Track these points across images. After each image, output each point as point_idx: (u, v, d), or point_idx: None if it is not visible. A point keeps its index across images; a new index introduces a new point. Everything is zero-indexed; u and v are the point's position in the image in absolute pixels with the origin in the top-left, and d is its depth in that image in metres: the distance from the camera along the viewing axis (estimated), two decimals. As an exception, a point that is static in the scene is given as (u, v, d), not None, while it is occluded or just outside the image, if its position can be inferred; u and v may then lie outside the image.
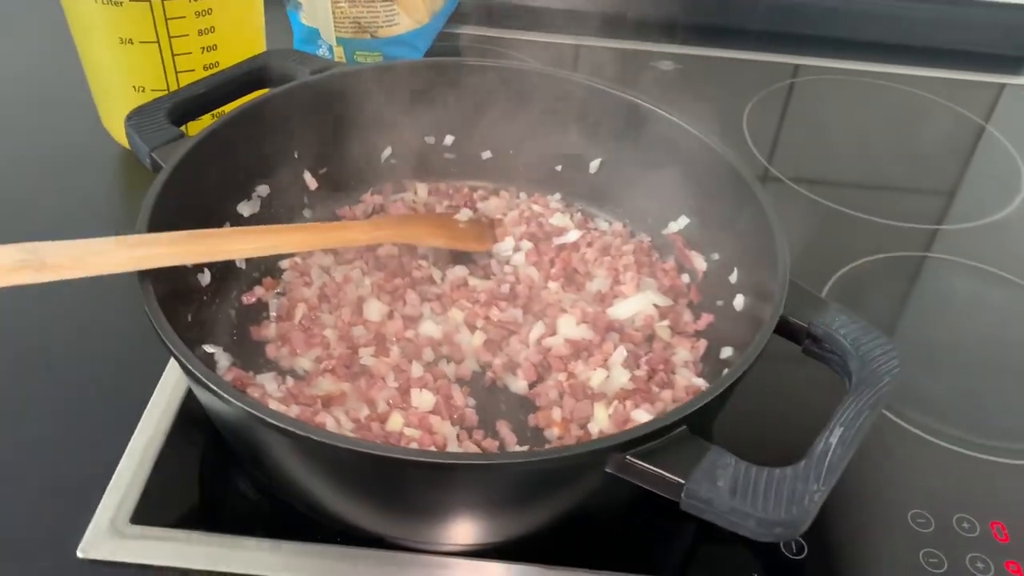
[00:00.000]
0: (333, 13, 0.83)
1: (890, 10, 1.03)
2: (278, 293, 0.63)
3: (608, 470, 0.43)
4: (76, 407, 0.57)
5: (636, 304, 0.62)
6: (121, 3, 0.64)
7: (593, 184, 0.72)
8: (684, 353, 0.60)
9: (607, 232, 0.70)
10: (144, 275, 0.48)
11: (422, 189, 0.73)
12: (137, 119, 0.61)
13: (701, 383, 0.58)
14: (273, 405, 0.53)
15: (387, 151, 0.72)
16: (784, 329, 0.51)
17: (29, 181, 0.76)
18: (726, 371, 0.55)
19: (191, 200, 0.58)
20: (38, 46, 0.91)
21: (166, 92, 0.69)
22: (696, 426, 0.44)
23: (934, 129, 0.94)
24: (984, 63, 1.03)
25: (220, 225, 0.62)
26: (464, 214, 0.70)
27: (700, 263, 0.65)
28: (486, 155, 0.74)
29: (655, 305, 0.63)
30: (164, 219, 0.54)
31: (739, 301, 0.59)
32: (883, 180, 0.86)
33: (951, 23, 1.04)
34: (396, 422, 0.53)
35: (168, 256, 0.50)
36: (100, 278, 0.48)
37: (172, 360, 0.53)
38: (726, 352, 0.58)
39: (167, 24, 0.65)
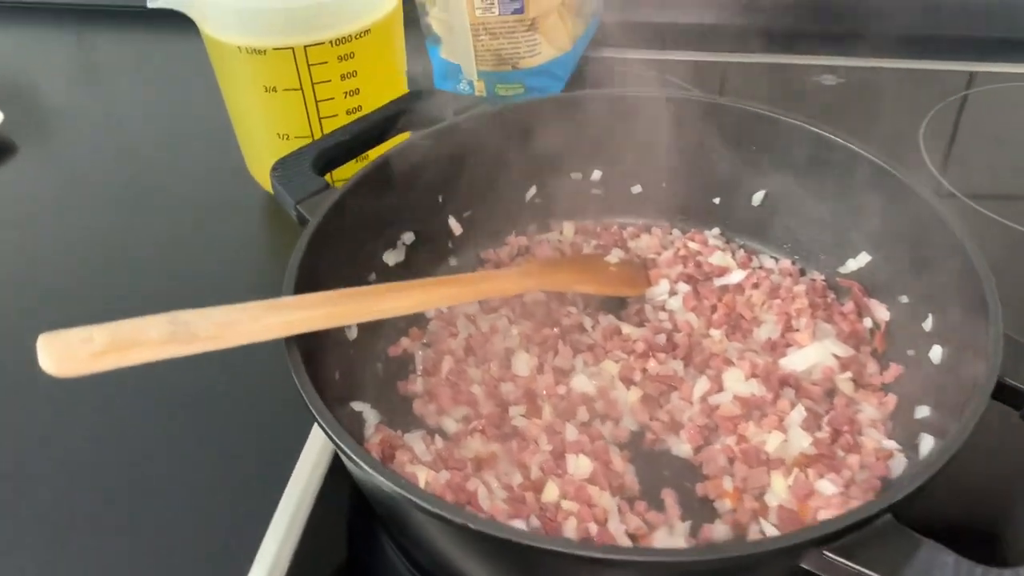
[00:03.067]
0: (475, 47, 0.80)
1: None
2: (424, 344, 0.60)
3: (804, 565, 0.37)
4: (227, 467, 0.56)
5: (814, 354, 0.56)
6: (265, 51, 0.63)
7: (756, 217, 0.66)
8: (871, 410, 0.54)
9: (774, 271, 0.64)
10: (291, 339, 0.47)
11: (568, 228, 0.69)
12: (282, 170, 0.60)
13: (893, 445, 0.52)
14: (421, 470, 0.50)
15: (532, 190, 0.68)
16: (999, 392, 0.44)
17: (178, 225, 0.77)
18: (931, 443, 0.48)
19: (336, 252, 0.56)
20: (187, 95, 0.94)
21: (310, 139, 0.68)
22: (903, 514, 0.38)
23: None
24: None
25: (365, 275, 0.60)
26: (615, 254, 0.65)
27: (882, 313, 0.58)
28: (636, 189, 0.69)
29: (835, 355, 0.56)
30: (310, 275, 0.52)
31: (936, 353, 0.52)
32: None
33: None
34: (552, 492, 0.49)
35: (319, 319, 0.48)
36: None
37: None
38: (922, 412, 0.51)
39: (310, 70, 0.64)
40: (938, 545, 0.37)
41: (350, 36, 0.64)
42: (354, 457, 0.41)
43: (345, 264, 0.58)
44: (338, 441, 0.42)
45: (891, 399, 0.54)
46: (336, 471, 0.55)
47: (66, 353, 0.39)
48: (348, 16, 0.63)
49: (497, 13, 0.80)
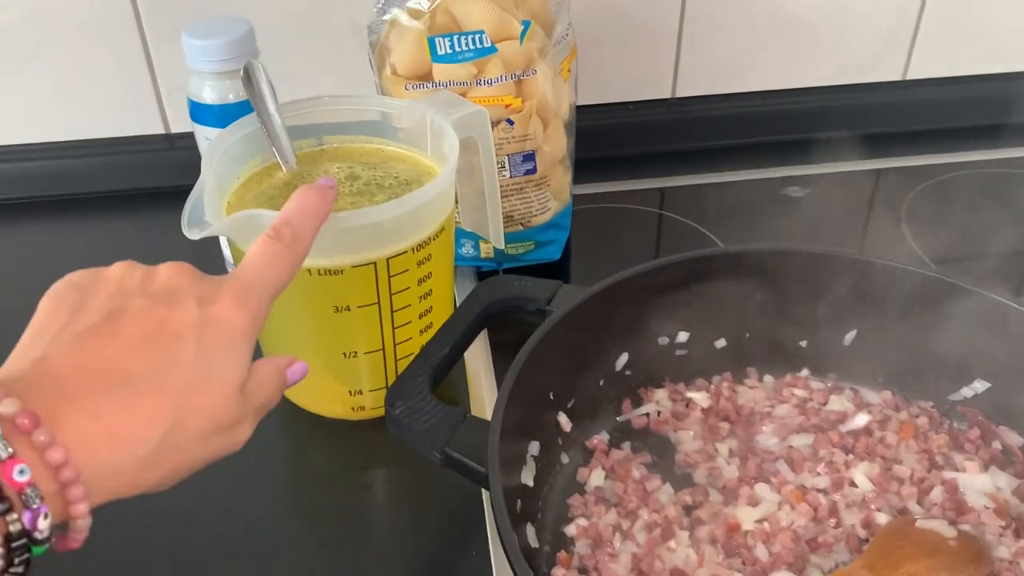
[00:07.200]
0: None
1: None
2: (579, 571, 0.54)
3: None
4: None
5: (983, 483, 0.57)
6: (342, 271, 0.56)
7: (848, 355, 0.66)
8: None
9: (881, 405, 0.64)
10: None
11: (662, 396, 0.66)
12: (402, 405, 0.53)
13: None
14: None
15: (622, 361, 0.65)
16: None
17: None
18: None
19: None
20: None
21: (380, 351, 0.61)
22: None
23: None
24: None
25: (513, 502, 0.54)
26: (947, 530, 0.55)
27: (1014, 438, 0.59)
28: (720, 344, 0.67)
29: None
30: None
31: (1112, 476, 0.54)
32: None
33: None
34: None
35: None
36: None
37: None
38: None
39: (390, 282, 0.57)
40: None
41: (429, 239, 0.58)
42: None
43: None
44: None
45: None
46: None
47: None
48: (431, 218, 0.58)
49: (508, 176, 0.76)
